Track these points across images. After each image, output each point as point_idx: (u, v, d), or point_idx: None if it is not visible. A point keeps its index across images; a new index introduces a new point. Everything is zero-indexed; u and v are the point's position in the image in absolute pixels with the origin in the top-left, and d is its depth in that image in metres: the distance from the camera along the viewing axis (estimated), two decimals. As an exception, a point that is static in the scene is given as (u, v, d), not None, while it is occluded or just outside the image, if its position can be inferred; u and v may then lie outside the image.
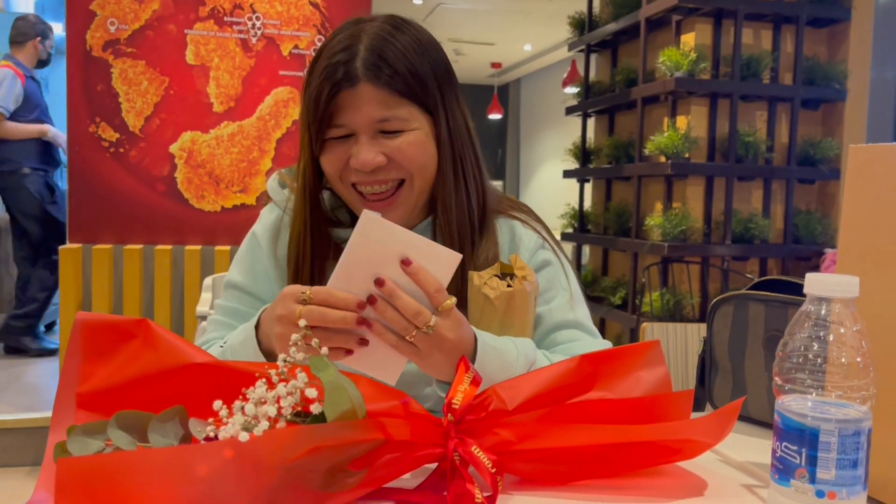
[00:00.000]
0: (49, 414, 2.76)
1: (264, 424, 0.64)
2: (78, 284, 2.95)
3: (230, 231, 3.07)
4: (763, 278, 1.05)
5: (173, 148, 3.01)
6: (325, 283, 0.95)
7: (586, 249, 4.51)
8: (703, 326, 1.45)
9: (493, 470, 0.72)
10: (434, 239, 1.03)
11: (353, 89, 0.95)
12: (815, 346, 0.56)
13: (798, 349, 0.57)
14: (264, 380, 0.68)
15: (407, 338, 0.81)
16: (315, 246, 1.03)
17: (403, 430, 0.72)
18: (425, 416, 0.77)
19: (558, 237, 4.97)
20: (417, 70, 0.97)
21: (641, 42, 3.58)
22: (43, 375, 3.88)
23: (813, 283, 0.58)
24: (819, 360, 0.56)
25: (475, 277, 0.97)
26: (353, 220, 1.05)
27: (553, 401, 0.80)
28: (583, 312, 1.07)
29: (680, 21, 3.44)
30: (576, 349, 1.01)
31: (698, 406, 1.12)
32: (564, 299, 1.05)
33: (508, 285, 0.95)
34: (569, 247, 4.68)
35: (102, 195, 2.96)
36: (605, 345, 1.05)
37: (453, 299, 0.83)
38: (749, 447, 0.93)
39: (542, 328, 1.04)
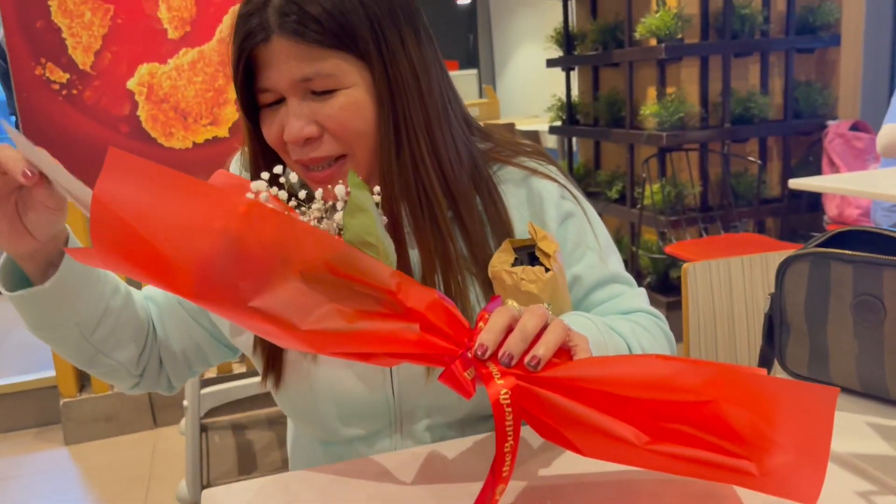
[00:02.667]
0: (48, 374, 2.58)
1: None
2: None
3: (206, 167, 2.85)
4: (838, 229, 0.93)
5: (131, 83, 2.77)
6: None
7: (575, 142, 4.34)
8: (745, 261, 1.34)
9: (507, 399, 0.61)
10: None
11: (267, 44, 0.79)
12: None
13: None
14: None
15: None
16: None
17: (421, 300, 0.65)
18: (454, 315, 0.67)
19: (545, 127, 4.72)
20: (342, 10, 0.79)
21: (624, -87, 3.29)
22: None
23: None
24: None
25: (505, 276, 0.82)
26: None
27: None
28: (616, 262, 0.96)
29: None
30: (620, 304, 0.94)
31: (765, 363, 1.03)
32: (595, 255, 0.94)
33: (547, 269, 0.82)
34: (556, 140, 4.52)
35: (61, 144, 2.72)
36: (643, 292, 0.97)
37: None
38: (849, 429, 0.82)
39: (578, 290, 0.93)
